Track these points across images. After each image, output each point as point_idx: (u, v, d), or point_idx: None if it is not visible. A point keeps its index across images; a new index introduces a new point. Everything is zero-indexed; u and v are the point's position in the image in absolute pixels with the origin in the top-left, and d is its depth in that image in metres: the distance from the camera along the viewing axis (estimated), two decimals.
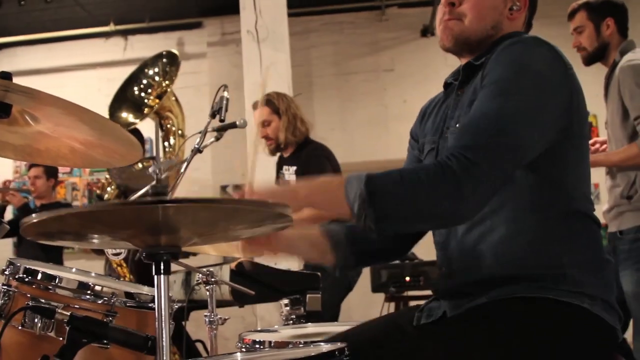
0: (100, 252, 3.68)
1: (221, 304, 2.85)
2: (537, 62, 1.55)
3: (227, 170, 7.12)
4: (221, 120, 2.92)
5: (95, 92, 7.58)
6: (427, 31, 7.20)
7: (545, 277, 1.50)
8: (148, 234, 1.14)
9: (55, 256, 5.41)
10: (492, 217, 1.54)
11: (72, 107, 1.33)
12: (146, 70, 5.47)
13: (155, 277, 1.18)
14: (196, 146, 2.87)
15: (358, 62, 7.44)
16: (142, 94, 5.38)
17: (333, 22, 7.52)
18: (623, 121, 3.00)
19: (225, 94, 2.90)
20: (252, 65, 5.06)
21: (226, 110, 2.89)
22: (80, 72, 7.73)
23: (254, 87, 4.97)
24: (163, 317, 1.19)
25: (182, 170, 2.86)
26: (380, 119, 7.29)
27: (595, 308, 1.49)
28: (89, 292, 1.58)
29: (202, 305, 3.19)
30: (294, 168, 3.96)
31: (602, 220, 1.88)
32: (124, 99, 5.29)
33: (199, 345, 3.62)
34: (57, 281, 1.59)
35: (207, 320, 2.54)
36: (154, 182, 3.29)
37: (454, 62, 1.87)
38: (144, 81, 5.43)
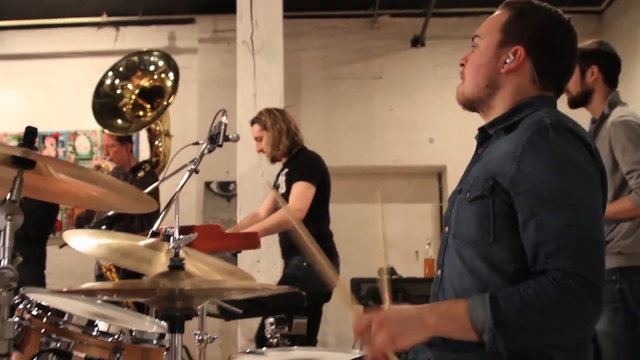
0: None
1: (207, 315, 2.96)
2: (572, 154, 1.62)
3: (213, 167, 7.18)
4: (219, 146, 3.01)
5: (84, 81, 7.58)
6: (417, 41, 7.27)
7: (524, 354, 1.59)
8: (165, 300, 1.25)
9: (38, 248, 5.46)
10: (483, 286, 1.64)
11: (86, 172, 1.44)
12: (124, 68, 5.47)
13: (170, 334, 1.30)
14: (193, 167, 2.97)
15: (347, 68, 7.50)
16: (121, 95, 5.38)
17: (325, 27, 7.56)
18: (612, 173, 3.11)
19: (224, 119, 3.00)
20: (246, 75, 5.17)
21: (224, 135, 2.99)
22: (71, 60, 7.70)
23: (247, 98, 5.07)
24: None
25: (177, 188, 2.96)
26: (366, 125, 7.37)
27: None
28: (97, 330, 1.68)
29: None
30: (286, 170, 4.21)
31: None
32: (102, 103, 5.30)
33: (182, 351, 3.74)
34: (66, 318, 1.69)
35: (197, 338, 2.65)
36: (157, 184, 3.39)
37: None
38: (123, 81, 5.43)
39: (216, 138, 3.00)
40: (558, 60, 1.83)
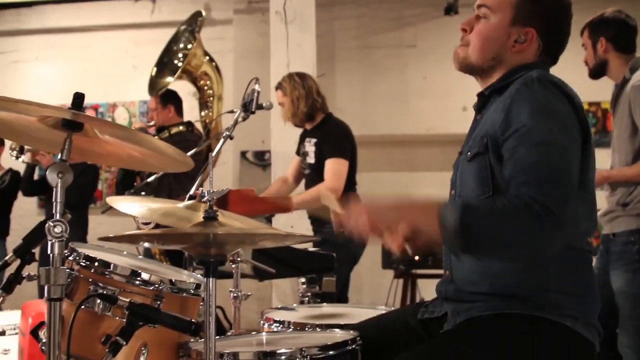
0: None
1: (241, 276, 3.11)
2: (554, 104, 1.74)
3: (247, 136, 7.30)
4: (252, 113, 3.12)
5: (122, 53, 7.78)
6: (450, 9, 7.23)
7: (534, 299, 1.74)
8: (200, 246, 1.39)
9: (81, 214, 5.69)
10: None
11: (129, 133, 1.57)
12: (178, 35, 5.54)
13: (206, 278, 1.45)
14: (227, 133, 3.10)
15: (381, 36, 7.53)
16: (175, 58, 5.45)
17: None
18: (631, 136, 3.19)
19: (257, 87, 3.11)
20: (279, 45, 5.26)
21: (257, 103, 3.11)
22: (108, 33, 7.86)
23: (280, 67, 5.17)
24: (211, 310, 1.46)
25: (213, 153, 3.09)
26: (400, 94, 7.41)
27: (577, 326, 1.74)
28: (139, 279, 1.84)
29: (222, 275, 3.47)
30: (315, 140, 4.22)
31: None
32: (163, 67, 5.37)
33: (219, 311, 3.91)
34: (112, 268, 1.85)
35: (232, 295, 2.80)
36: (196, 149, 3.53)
37: None
38: (176, 46, 5.49)
39: (249, 105, 3.10)
40: (561, 38, 1.95)
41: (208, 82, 5.38)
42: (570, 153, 1.71)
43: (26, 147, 5.46)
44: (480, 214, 1.62)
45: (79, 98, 1.59)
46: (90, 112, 7.73)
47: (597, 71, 3.38)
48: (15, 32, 8.03)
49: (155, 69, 5.35)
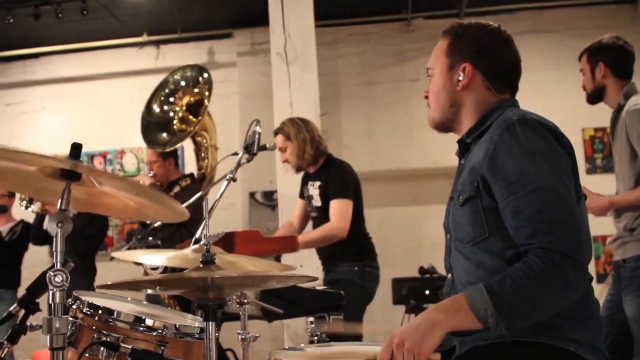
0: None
1: (250, 318, 3.09)
2: (537, 143, 1.76)
3: (255, 177, 7.34)
4: (254, 154, 3.15)
5: (127, 100, 7.85)
6: None
7: (537, 325, 1.72)
8: (199, 290, 1.39)
9: (89, 262, 5.72)
10: (490, 275, 1.77)
11: (127, 183, 1.58)
12: (170, 84, 5.59)
13: (205, 322, 1.44)
14: (230, 176, 3.12)
15: (384, 72, 7.61)
16: (169, 110, 5.51)
17: (360, 33, 7.69)
18: (631, 161, 3.20)
19: (258, 128, 3.15)
20: (282, 86, 5.31)
21: (258, 144, 3.13)
22: (113, 80, 7.99)
23: (283, 107, 5.22)
24: (212, 354, 1.45)
25: (217, 197, 3.11)
26: (405, 128, 7.46)
27: (581, 351, 1.73)
28: (143, 325, 1.83)
29: (231, 317, 3.46)
30: (319, 183, 4.25)
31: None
32: (152, 117, 5.44)
33: (230, 354, 3.88)
34: (115, 315, 1.85)
35: (240, 337, 2.78)
36: (199, 194, 3.55)
37: None
38: (170, 98, 5.55)
39: (251, 147, 3.13)
40: (501, 63, 2.00)
41: (206, 135, 5.46)
42: (567, 191, 1.73)
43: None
44: (505, 291, 1.63)
45: (76, 148, 1.61)
46: (98, 160, 7.80)
47: (595, 96, 3.41)
48: (22, 83, 8.15)
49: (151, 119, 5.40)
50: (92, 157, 7.81)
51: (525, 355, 1.73)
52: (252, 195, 7.52)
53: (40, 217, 5.83)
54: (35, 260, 6.64)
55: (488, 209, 1.80)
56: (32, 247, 6.19)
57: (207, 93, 5.16)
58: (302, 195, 4.44)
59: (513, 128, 1.79)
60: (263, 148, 3.45)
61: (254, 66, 7.68)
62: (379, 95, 7.58)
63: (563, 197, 1.71)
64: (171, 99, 5.49)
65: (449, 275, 1.99)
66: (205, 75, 5.28)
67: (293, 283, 1.58)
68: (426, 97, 2.09)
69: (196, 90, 5.49)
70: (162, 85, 5.49)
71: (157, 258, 2.27)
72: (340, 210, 4.06)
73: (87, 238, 5.57)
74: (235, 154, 3.41)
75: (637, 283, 3.08)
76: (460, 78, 1.97)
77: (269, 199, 7.47)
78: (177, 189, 5.15)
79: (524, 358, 1.73)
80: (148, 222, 3.89)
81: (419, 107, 7.47)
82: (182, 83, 5.50)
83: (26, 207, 5.74)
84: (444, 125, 2.06)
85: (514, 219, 1.72)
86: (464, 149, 2.02)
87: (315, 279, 1.55)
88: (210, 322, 1.44)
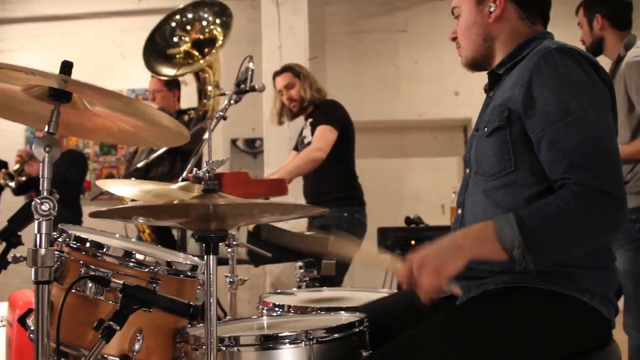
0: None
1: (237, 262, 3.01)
2: (578, 74, 1.67)
3: (239, 124, 7.20)
4: (245, 91, 3.04)
5: (108, 41, 7.64)
6: None
7: (550, 273, 1.65)
8: (199, 221, 1.29)
9: (75, 211, 5.54)
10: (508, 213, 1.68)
11: (124, 99, 1.46)
12: (180, 17, 5.33)
13: (205, 256, 1.34)
14: (221, 113, 2.99)
15: (372, 21, 7.46)
16: (175, 44, 5.24)
17: None
18: (628, 114, 3.14)
19: (250, 64, 3.02)
20: (271, 28, 5.16)
21: (251, 81, 3.02)
22: (94, 21, 7.74)
23: (272, 50, 5.07)
24: (212, 290, 1.36)
25: (207, 134, 2.98)
26: (391, 79, 7.35)
27: (594, 301, 1.66)
28: (133, 260, 1.73)
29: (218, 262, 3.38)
30: (310, 120, 4.26)
31: None
32: (154, 47, 5.17)
33: None
34: (104, 249, 1.74)
35: (227, 280, 2.70)
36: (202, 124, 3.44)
37: None
38: (176, 30, 5.27)
39: (243, 84, 3.01)
40: None
41: (210, 73, 5.26)
42: (606, 125, 1.65)
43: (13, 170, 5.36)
44: (537, 224, 1.55)
45: (67, 66, 1.48)
46: None
47: (594, 49, 3.34)
48: (0, 21, 7.88)
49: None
50: None
51: (535, 302, 1.65)
52: (233, 142, 7.40)
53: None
54: (8, 203, 6.46)
55: (517, 141, 1.71)
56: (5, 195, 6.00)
57: (221, 31, 4.95)
58: (296, 148, 4.39)
59: (551, 57, 1.69)
60: (252, 89, 3.33)
61: (240, 11, 7.44)
62: (365, 45, 7.44)
63: (603, 131, 1.63)
64: (181, 34, 5.22)
65: (460, 210, 1.91)
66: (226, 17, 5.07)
67: (303, 215, 1.47)
68: (454, 39, 2.00)
69: (210, 27, 5.26)
70: (176, 16, 5.20)
71: (142, 193, 2.17)
72: (321, 134, 4.07)
73: (74, 184, 5.37)
74: (223, 94, 3.31)
75: (630, 236, 3.03)
76: (492, 9, 1.87)
77: (251, 147, 7.36)
78: (185, 117, 4.99)
79: (534, 305, 1.65)
80: (139, 165, 3.76)
81: (406, 58, 7.37)
82: (197, 19, 5.22)
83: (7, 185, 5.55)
84: (479, 62, 1.96)
85: (549, 151, 1.63)
86: (493, 80, 1.93)
87: (325, 210, 1.46)
88: (211, 256, 1.34)
